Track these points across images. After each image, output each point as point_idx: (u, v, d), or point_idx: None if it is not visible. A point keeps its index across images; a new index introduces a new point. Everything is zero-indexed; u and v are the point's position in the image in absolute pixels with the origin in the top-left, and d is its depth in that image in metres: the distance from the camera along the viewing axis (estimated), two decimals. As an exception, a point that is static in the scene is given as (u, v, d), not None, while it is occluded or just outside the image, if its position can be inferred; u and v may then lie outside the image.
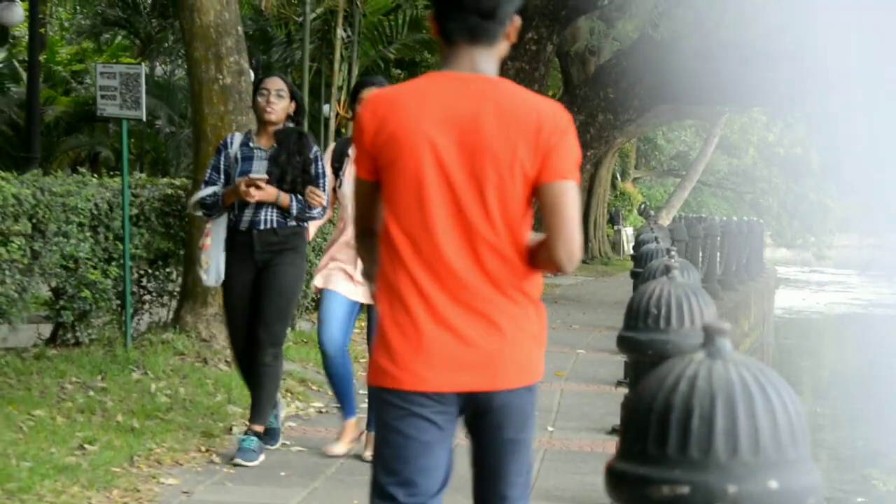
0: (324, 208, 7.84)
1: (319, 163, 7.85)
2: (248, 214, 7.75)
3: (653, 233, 16.38)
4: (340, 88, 22.38)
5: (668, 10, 18.98)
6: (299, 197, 7.74)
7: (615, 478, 2.91)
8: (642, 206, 49.26)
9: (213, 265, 7.79)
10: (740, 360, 2.86)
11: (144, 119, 12.03)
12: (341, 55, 22.16)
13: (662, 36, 19.09)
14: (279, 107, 7.79)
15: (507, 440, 3.91)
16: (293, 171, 7.73)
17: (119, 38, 34.22)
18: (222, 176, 7.82)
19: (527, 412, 3.91)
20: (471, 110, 3.77)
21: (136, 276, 10.73)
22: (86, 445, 7.47)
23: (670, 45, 19.34)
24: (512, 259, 3.80)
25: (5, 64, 30.96)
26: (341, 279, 7.86)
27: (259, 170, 7.74)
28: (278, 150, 7.78)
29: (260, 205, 7.71)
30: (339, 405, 8.27)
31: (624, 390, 9.71)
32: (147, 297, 11.05)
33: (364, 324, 9.61)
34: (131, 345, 10.05)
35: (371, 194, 3.93)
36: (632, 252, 22.10)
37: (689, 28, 18.93)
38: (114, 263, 10.06)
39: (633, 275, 13.63)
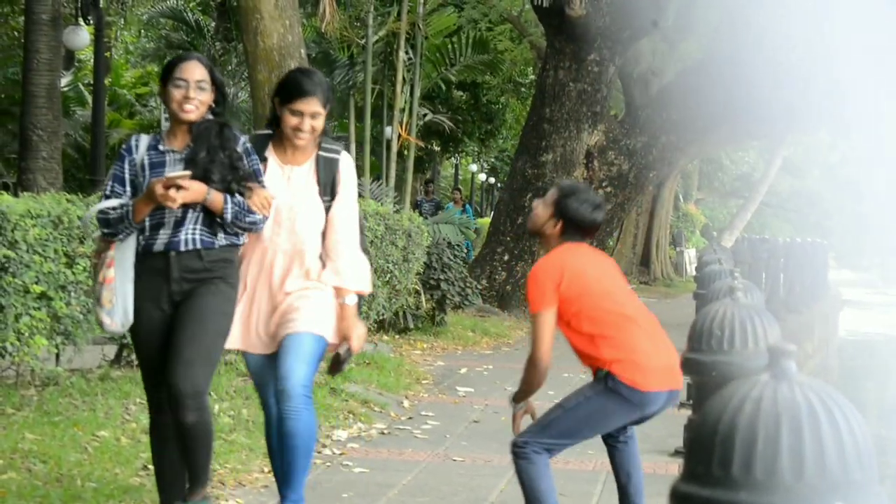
0: (264, 217, 6.09)
1: (253, 157, 6.13)
2: (164, 233, 6.02)
3: (716, 254, 16.29)
4: (402, 111, 22.43)
5: (727, 32, 18.93)
6: (236, 198, 5.99)
7: (679, 500, 2.89)
8: (706, 227, 49.04)
9: (118, 304, 6.00)
10: (805, 381, 2.85)
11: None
12: (403, 77, 22.21)
13: (724, 57, 19.03)
14: (200, 101, 6.06)
15: None
16: (219, 169, 5.99)
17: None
18: (128, 188, 6.09)
19: None
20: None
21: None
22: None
23: (732, 66, 19.27)
24: None
25: (71, 87, 31.27)
26: (245, 331, 6.24)
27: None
28: (195, 148, 6.05)
29: (180, 222, 5.99)
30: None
31: (686, 412, 9.65)
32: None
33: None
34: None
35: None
36: (694, 273, 21.99)
37: (751, 49, 18.86)
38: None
39: (696, 296, 13.54)
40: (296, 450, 6.00)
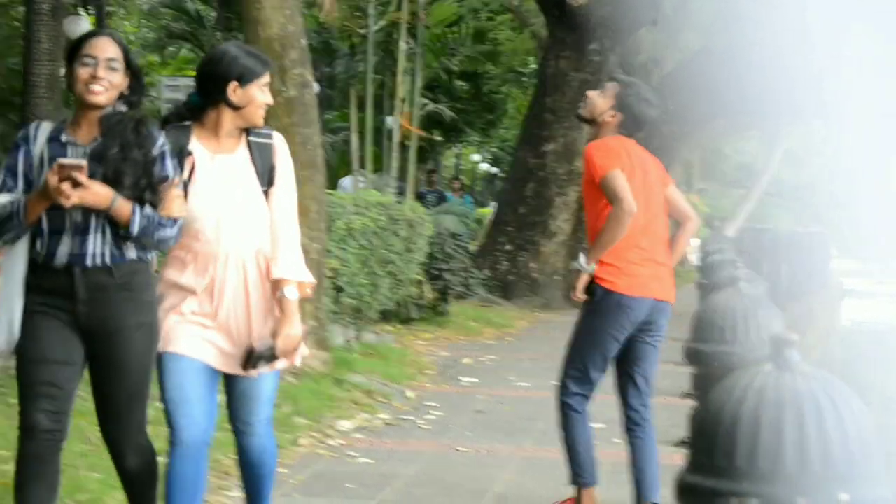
0: (182, 223, 5.20)
1: (168, 161, 5.20)
2: (65, 244, 5.04)
3: (719, 244, 16.28)
4: (404, 101, 22.42)
5: (726, 23, 18.95)
6: (146, 209, 5.05)
7: (684, 490, 2.91)
8: (708, 217, 49.01)
9: (2, 319, 5.06)
10: (808, 371, 2.86)
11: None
12: (404, 67, 22.20)
13: (721, 48, 19.04)
14: (111, 83, 5.14)
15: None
16: (133, 170, 5.06)
17: (184, 51, 34.49)
18: (20, 182, 5.14)
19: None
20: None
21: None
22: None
23: (728, 57, 19.28)
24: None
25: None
26: (192, 335, 5.39)
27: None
28: (106, 142, 5.11)
29: (83, 229, 5.03)
30: None
31: (690, 402, 9.66)
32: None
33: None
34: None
35: None
36: (697, 263, 21.99)
37: (748, 41, 18.89)
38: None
39: (699, 286, 13.54)
40: (263, 478, 5.70)
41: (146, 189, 5.07)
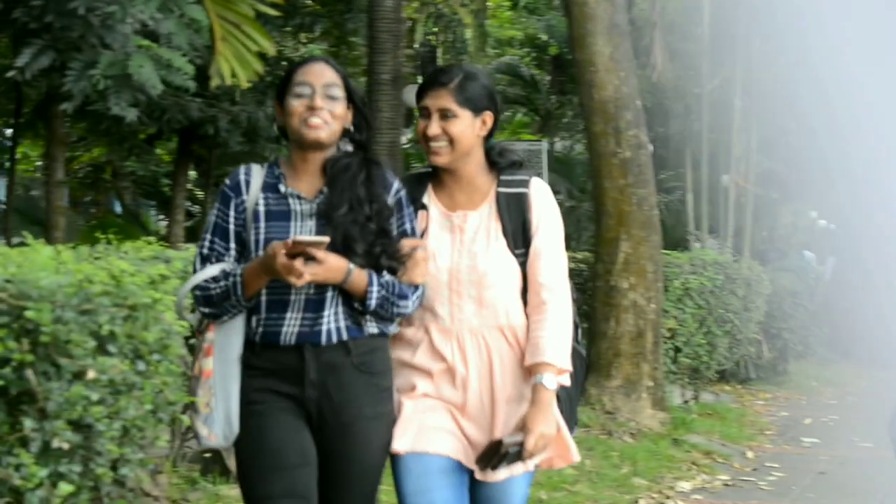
0: (424, 289, 4.36)
1: (406, 211, 4.38)
2: (292, 318, 4.22)
3: None
4: (739, 158, 22.22)
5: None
6: (384, 276, 4.23)
7: None
8: None
9: (219, 408, 4.22)
10: None
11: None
12: (739, 125, 21.99)
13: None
14: (332, 115, 4.30)
15: None
16: (365, 235, 4.24)
17: (519, 115, 35.05)
18: (232, 245, 4.31)
19: None
20: None
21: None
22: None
23: None
24: None
25: (411, 144, 32.17)
26: (435, 427, 4.39)
27: (305, 233, 4.25)
28: (332, 197, 4.27)
29: (317, 303, 4.21)
30: None
31: None
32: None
33: None
34: (537, 416, 10.23)
35: None
36: None
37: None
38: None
39: None
40: None
41: (382, 254, 4.25)
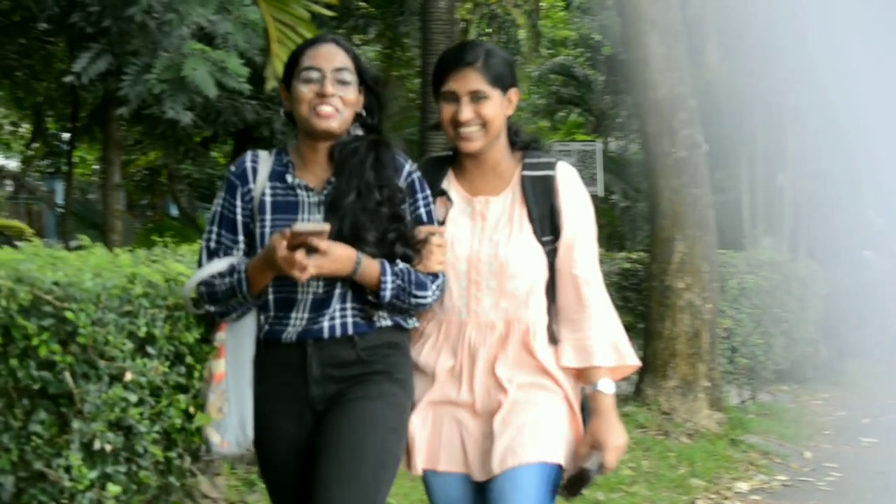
0: (444, 278, 4.08)
1: (421, 194, 4.11)
2: (297, 317, 3.96)
3: None
4: (795, 157, 22.11)
5: None
6: (398, 265, 3.97)
7: None
8: None
9: (233, 412, 3.94)
10: None
11: (602, 194, 12.24)
12: (795, 122, 21.88)
13: None
14: (344, 101, 4.02)
15: None
16: (376, 222, 3.96)
17: (573, 115, 35.00)
18: (241, 237, 4.03)
19: None
20: None
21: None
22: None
23: None
24: None
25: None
26: (448, 441, 4.12)
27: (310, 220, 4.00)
28: (340, 185, 3.99)
29: (322, 301, 3.95)
30: None
31: None
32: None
33: None
34: (593, 417, 10.23)
35: None
36: None
37: None
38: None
39: None
40: None
41: (395, 242, 3.98)
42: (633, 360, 4.12)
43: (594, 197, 12.73)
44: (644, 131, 11.08)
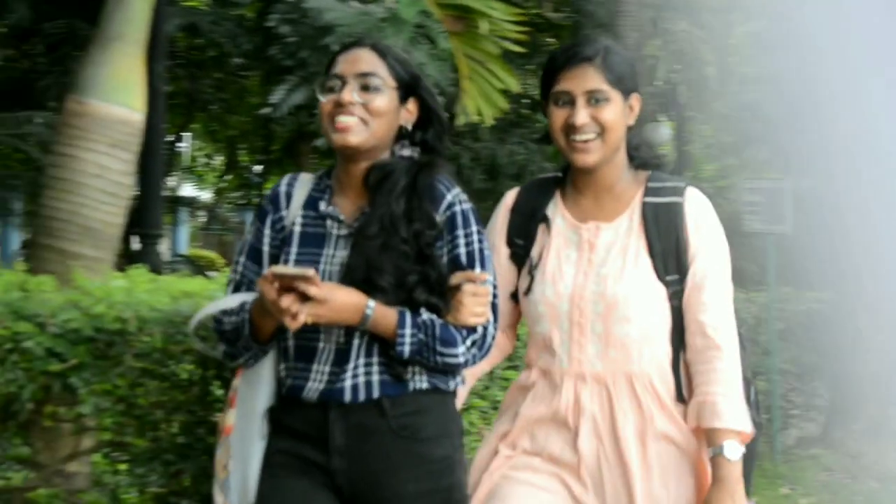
0: (485, 334, 3.37)
1: (462, 232, 3.41)
2: (318, 368, 3.39)
3: None
4: None
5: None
6: (422, 316, 3.32)
7: None
8: None
9: (237, 470, 3.43)
10: None
11: (790, 232, 12.10)
12: None
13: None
14: (370, 111, 3.40)
15: None
16: (395, 262, 3.34)
17: (761, 153, 34.59)
18: (265, 268, 3.45)
19: None
20: None
21: (783, 390, 10.79)
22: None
23: None
24: None
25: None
26: (530, 484, 3.52)
27: (336, 262, 3.40)
28: (369, 218, 3.37)
29: (342, 352, 3.36)
30: None
31: None
32: (794, 412, 11.05)
33: None
34: (779, 459, 10.11)
35: None
36: None
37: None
38: (761, 377, 10.15)
39: None
40: None
41: (416, 287, 3.33)
42: (747, 428, 3.47)
43: (781, 236, 12.59)
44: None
